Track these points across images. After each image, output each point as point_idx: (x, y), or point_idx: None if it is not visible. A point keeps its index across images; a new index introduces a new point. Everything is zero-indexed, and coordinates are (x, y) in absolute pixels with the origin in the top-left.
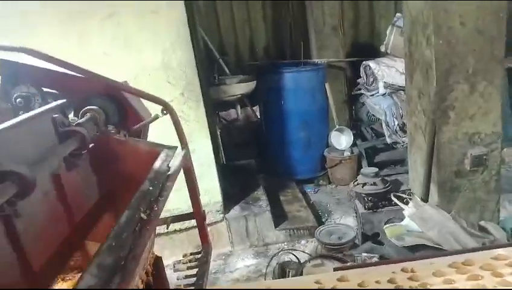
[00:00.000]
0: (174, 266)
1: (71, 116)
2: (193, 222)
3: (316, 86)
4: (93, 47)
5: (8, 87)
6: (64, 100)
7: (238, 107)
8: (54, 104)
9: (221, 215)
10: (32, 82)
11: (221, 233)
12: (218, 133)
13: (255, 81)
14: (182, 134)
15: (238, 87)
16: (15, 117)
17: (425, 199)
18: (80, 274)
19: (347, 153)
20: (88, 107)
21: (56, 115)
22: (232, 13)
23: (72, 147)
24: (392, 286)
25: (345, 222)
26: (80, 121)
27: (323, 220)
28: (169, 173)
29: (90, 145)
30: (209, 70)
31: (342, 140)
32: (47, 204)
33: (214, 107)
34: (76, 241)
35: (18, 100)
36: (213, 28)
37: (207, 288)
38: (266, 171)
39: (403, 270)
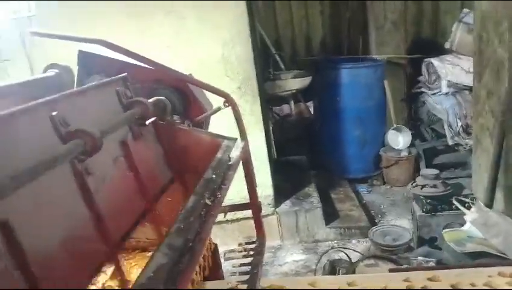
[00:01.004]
0: (225, 255)
1: None
2: (245, 213)
3: (374, 82)
4: (156, 40)
5: (83, 77)
6: (125, 74)
7: (292, 102)
8: (116, 77)
9: (272, 209)
10: (105, 72)
11: (271, 226)
12: (271, 127)
13: (310, 77)
14: (243, 126)
15: (292, 83)
16: None
17: (489, 205)
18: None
19: (404, 153)
20: (156, 97)
21: (119, 88)
22: (290, 9)
23: (136, 115)
24: None
25: (400, 225)
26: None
27: (376, 221)
28: (230, 163)
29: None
30: (265, 65)
31: (399, 139)
32: (116, 172)
33: (267, 101)
34: (141, 214)
35: None
36: (270, 23)
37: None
38: (318, 168)
39: (500, 274)
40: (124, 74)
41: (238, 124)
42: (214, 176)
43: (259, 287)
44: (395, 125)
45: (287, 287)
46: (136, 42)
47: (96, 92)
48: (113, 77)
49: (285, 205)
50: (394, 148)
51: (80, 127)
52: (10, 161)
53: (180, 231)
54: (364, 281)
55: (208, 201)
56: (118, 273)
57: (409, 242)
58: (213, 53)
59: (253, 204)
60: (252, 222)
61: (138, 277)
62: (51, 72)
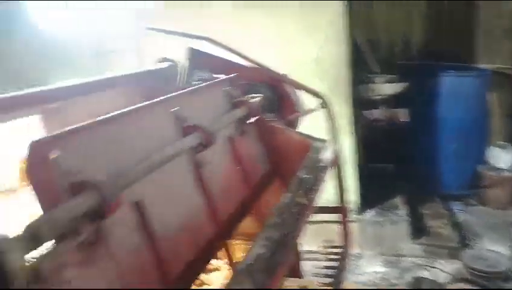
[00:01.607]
0: (304, 255)
1: None
2: (326, 216)
3: (478, 94)
4: (256, 38)
5: (190, 71)
6: (234, 74)
7: (384, 107)
8: (224, 77)
9: (355, 216)
10: (208, 68)
11: (352, 233)
12: (360, 132)
13: (405, 82)
14: (336, 130)
15: (386, 87)
16: None
17: None
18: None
19: (508, 173)
20: (253, 95)
21: (227, 88)
22: (390, 11)
23: (242, 114)
24: None
25: (496, 250)
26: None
27: (469, 243)
28: (322, 164)
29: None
30: (359, 67)
31: (503, 157)
32: (223, 165)
33: (358, 105)
34: (242, 205)
35: (197, 82)
36: (367, 25)
37: None
38: (407, 178)
39: None
40: (232, 75)
41: (331, 127)
42: (307, 176)
43: None
44: (499, 142)
45: None
46: (238, 40)
47: (208, 91)
48: (222, 77)
49: (369, 214)
50: (497, 167)
51: (196, 122)
52: (139, 150)
53: (276, 225)
54: None
55: (301, 200)
56: (228, 258)
57: (506, 271)
58: (308, 53)
59: (342, 208)
60: (332, 225)
61: (239, 263)
62: (163, 65)
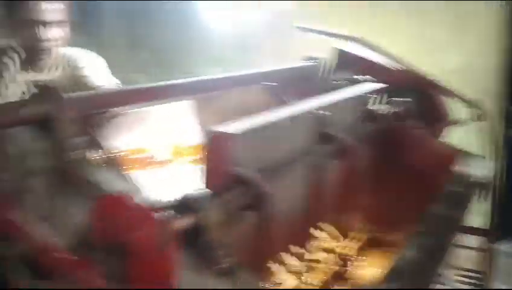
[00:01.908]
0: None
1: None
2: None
3: None
4: (396, 41)
5: (335, 71)
6: (382, 86)
7: None
8: (371, 86)
9: (490, 244)
10: (353, 69)
11: (480, 262)
12: (507, 154)
13: None
14: (493, 146)
15: None
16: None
17: None
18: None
19: None
20: (398, 98)
21: (368, 95)
22: None
23: (369, 128)
24: None
25: None
26: (392, 110)
27: None
28: (471, 181)
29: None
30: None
31: None
32: (345, 170)
33: (509, 124)
34: (359, 207)
35: (339, 82)
36: None
37: None
38: None
39: None
40: (381, 86)
41: (488, 142)
42: (455, 189)
43: None
44: None
45: None
46: (378, 43)
47: (351, 100)
48: (367, 84)
49: (508, 244)
50: None
51: (333, 129)
52: (281, 149)
53: (425, 234)
54: None
55: (449, 212)
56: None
57: None
58: (454, 60)
59: (490, 232)
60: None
61: (395, 261)
62: (310, 63)
